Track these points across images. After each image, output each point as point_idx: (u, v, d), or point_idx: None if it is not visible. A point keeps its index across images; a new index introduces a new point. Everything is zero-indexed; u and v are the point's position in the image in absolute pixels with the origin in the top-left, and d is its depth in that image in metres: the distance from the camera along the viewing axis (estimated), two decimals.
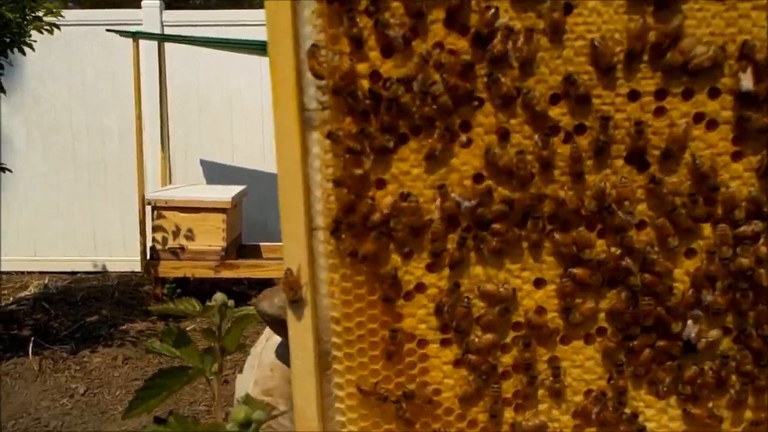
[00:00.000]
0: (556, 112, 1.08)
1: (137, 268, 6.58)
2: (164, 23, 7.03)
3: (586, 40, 1.06)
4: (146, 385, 1.41)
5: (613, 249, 1.10)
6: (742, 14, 1.04)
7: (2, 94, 5.05)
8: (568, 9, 1.05)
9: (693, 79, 1.06)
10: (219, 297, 1.60)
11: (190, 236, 6.01)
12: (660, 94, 1.07)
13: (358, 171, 1.10)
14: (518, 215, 1.11)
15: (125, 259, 7.12)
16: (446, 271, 1.13)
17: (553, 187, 1.10)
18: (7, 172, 5.43)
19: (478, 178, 1.11)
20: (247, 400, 1.45)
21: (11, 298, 6.30)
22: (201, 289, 5.84)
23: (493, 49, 1.05)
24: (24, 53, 4.95)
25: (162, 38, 6.62)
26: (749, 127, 1.05)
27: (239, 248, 6.58)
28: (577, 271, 1.11)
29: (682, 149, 1.08)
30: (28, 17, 4.81)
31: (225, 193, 6.22)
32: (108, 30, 6.12)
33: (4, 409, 4.31)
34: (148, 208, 6.19)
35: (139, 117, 6.19)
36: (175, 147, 7.11)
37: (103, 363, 5.00)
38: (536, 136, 1.07)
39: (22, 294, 6.47)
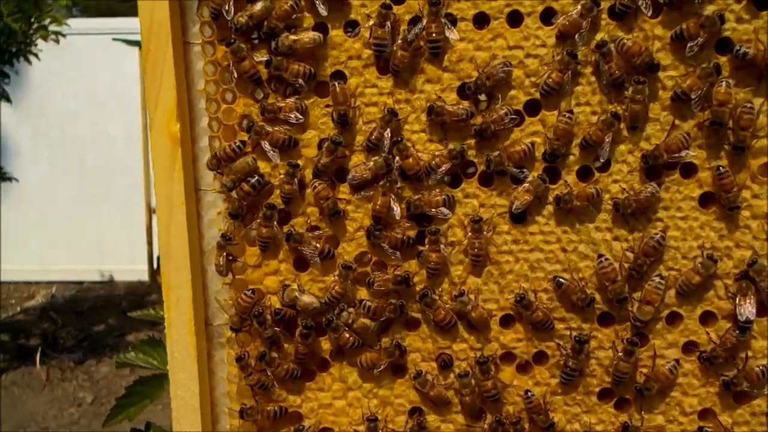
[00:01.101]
0: (509, 337, 0.88)
1: (145, 277, 6.37)
2: None
3: (543, 251, 0.86)
4: (126, 393, 1.42)
5: None
6: (738, 225, 0.83)
7: (8, 103, 5.00)
8: (521, 217, 0.85)
9: (681, 301, 0.85)
10: None
11: None
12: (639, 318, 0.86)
13: (270, 407, 0.90)
14: None
15: (133, 268, 6.79)
16: None
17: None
18: (13, 180, 5.39)
19: (414, 412, 0.91)
20: None
21: (18, 308, 6.16)
22: None
23: (428, 260, 0.86)
24: (30, 62, 4.92)
25: None
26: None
27: None
28: None
29: (668, 388, 0.86)
30: (33, 26, 4.77)
31: None
32: (114, 39, 6.17)
33: (11, 418, 4.18)
34: (155, 217, 6.06)
35: (145, 125, 6.02)
36: None
37: (110, 372, 4.90)
38: (475, 366, 0.87)
39: (29, 304, 6.32)
